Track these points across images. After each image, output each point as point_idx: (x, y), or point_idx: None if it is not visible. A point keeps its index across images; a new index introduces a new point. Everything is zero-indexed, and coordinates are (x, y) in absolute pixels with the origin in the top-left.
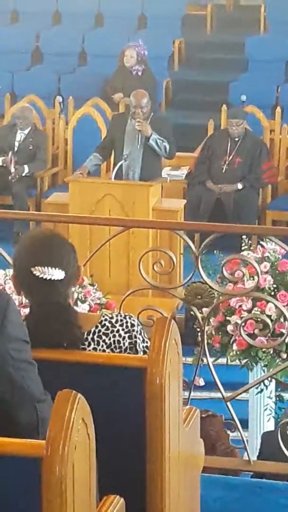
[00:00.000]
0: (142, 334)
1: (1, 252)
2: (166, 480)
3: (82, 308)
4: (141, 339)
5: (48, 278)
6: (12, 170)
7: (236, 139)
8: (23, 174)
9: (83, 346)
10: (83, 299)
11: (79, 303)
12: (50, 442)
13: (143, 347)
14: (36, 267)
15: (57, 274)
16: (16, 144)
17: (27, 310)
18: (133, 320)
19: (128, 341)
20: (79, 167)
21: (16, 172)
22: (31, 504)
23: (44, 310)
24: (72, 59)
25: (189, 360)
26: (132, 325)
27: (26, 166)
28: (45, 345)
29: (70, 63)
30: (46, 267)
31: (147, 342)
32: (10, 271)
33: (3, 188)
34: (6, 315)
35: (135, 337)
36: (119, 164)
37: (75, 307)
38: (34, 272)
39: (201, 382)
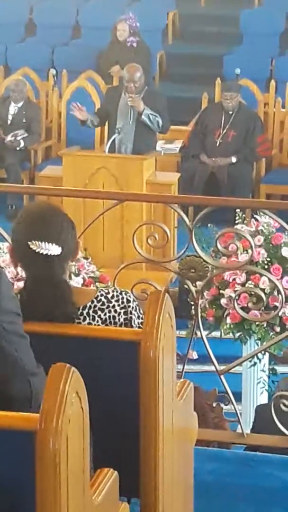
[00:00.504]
0: (138, 310)
1: None
2: (159, 453)
3: (76, 282)
4: (136, 315)
5: (44, 253)
6: (9, 138)
7: (230, 112)
8: (17, 148)
9: (78, 321)
10: (77, 272)
11: (73, 276)
12: (43, 415)
13: (138, 323)
14: (33, 241)
15: (53, 249)
16: (10, 117)
17: (21, 284)
18: (129, 296)
19: (124, 317)
20: (75, 144)
21: (12, 144)
22: (25, 477)
23: (38, 284)
24: (66, 31)
25: (183, 333)
26: (128, 301)
27: (21, 140)
28: (37, 319)
29: (63, 35)
30: (43, 242)
31: (142, 319)
32: (4, 245)
33: None
34: None
35: (131, 313)
36: (112, 137)
37: (70, 281)
38: (31, 246)
39: (194, 355)
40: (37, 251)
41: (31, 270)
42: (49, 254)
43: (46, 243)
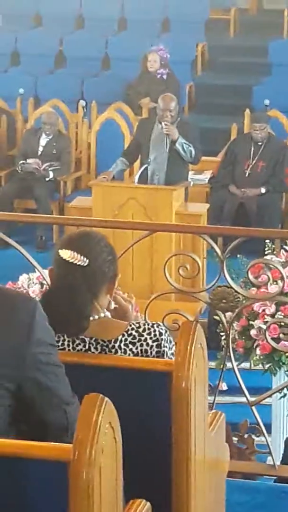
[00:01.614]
0: (170, 342)
1: (25, 256)
2: (191, 484)
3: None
4: (168, 347)
5: (70, 261)
6: (43, 167)
7: (260, 143)
8: (47, 179)
9: (109, 353)
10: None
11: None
12: (77, 445)
13: (170, 354)
14: (62, 249)
15: (80, 259)
16: (40, 148)
17: None
18: (161, 329)
19: (156, 349)
20: (104, 172)
21: (43, 174)
22: (58, 507)
23: (56, 291)
24: (95, 63)
25: (212, 364)
26: (160, 334)
27: (50, 171)
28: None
29: (93, 67)
30: (71, 251)
31: (173, 349)
32: (34, 275)
33: (26, 192)
34: (34, 320)
35: (164, 346)
36: (142, 167)
37: (102, 313)
38: (60, 253)
39: (224, 386)
40: (64, 257)
41: (54, 277)
42: (74, 262)
43: (74, 252)
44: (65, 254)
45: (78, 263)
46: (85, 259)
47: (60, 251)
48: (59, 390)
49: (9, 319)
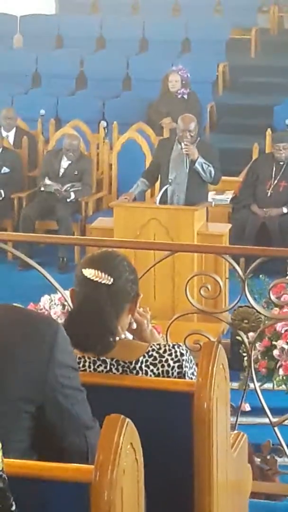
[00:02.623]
0: (191, 362)
1: (46, 277)
2: (214, 506)
3: (128, 333)
4: (189, 366)
5: (94, 280)
6: (65, 187)
7: (281, 163)
8: (68, 200)
9: (130, 375)
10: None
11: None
12: (98, 467)
13: (191, 373)
14: (86, 268)
15: (104, 278)
16: (62, 170)
17: None
18: (182, 349)
19: (177, 370)
20: (125, 193)
21: (64, 195)
22: None
23: (82, 310)
24: (116, 83)
25: (235, 385)
26: (182, 354)
27: (72, 192)
28: (78, 347)
29: (114, 87)
30: (95, 270)
31: (195, 370)
32: (56, 296)
33: (48, 213)
34: (56, 342)
35: (185, 366)
36: (163, 188)
37: (123, 335)
38: (83, 272)
39: (246, 407)
40: (88, 276)
41: (79, 297)
42: (98, 281)
43: (99, 271)
44: (90, 273)
45: (103, 282)
46: (109, 277)
47: (84, 270)
48: (79, 414)
49: (31, 341)
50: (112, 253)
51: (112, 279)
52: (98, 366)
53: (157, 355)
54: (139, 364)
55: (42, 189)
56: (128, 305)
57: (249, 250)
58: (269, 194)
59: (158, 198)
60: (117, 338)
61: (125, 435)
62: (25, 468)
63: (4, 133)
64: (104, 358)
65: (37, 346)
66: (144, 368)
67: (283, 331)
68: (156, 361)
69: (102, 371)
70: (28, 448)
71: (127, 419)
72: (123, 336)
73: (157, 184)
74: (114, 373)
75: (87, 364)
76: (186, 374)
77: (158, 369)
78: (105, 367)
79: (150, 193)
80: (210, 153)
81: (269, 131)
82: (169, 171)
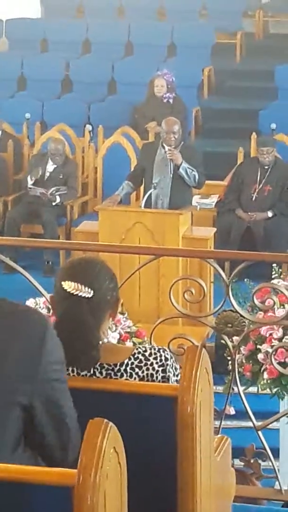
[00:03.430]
0: (174, 367)
1: (31, 281)
2: (197, 509)
3: (112, 337)
4: (173, 372)
5: (74, 293)
6: (50, 191)
7: (266, 167)
8: (54, 204)
9: (115, 377)
10: (113, 328)
11: (109, 331)
12: (81, 470)
13: (174, 380)
14: (66, 281)
15: (84, 291)
16: (47, 174)
17: None
18: (167, 354)
19: (162, 374)
20: (110, 196)
21: (49, 199)
22: None
23: (62, 324)
24: (102, 87)
25: (220, 388)
26: (166, 359)
27: (57, 196)
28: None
29: (99, 91)
30: (75, 283)
31: (178, 376)
32: (40, 300)
33: (33, 217)
34: (46, 336)
35: (169, 371)
36: (148, 192)
37: (107, 337)
38: (64, 286)
39: (231, 411)
40: (68, 290)
41: (59, 311)
42: (79, 295)
43: (78, 284)
44: (69, 286)
45: (83, 295)
46: (89, 289)
47: (63, 283)
48: (66, 406)
49: (22, 333)
50: (92, 261)
51: (92, 291)
52: (81, 370)
53: (142, 358)
54: (123, 367)
55: (30, 182)
56: (109, 311)
57: (232, 254)
58: (254, 198)
59: (143, 202)
60: (100, 343)
61: (108, 439)
62: (8, 472)
63: None
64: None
65: (29, 339)
66: (129, 370)
67: (267, 335)
68: (142, 364)
69: (86, 374)
70: (17, 439)
71: (110, 423)
72: (105, 340)
73: (142, 188)
74: (98, 377)
75: (70, 368)
76: (169, 379)
77: (143, 371)
78: (89, 371)
79: (135, 197)
80: (194, 157)
81: (254, 135)
82: (153, 175)
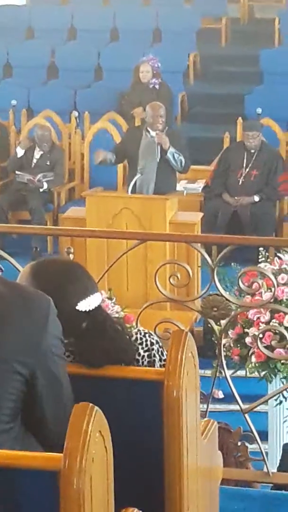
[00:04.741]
0: (160, 352)
1: (17, 267)
2: (184, 493)
3: None
4: (159, 357)
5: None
6: (38, 177)
7: (252, 151)
8: (41, 190)
9: None
10: None
11: None
12: (67, 455)
13: (160, 365)
14: (80, 303)
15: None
16: (34, 160)
17: None
18: (152, 338)
19: (147, 360)
20: (97, 185)
21: (36, 185)
22: None
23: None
24: (88, 74)
25: (208, 372)
26: (152, 344)
27: (44, 182)
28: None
29: (85, 78)
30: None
31: (164, 361)
32: None
33: (20, 203)
34: (49, 313)
35: (154, 355)
36: (135, 177)
37: None
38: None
39: (220, 394)
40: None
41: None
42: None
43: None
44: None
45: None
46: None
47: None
48: (65, 382)
49: (28, 310)
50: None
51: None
52: (67, 356)
53: None
54: None
55: (17, 172)
56: None
57: (218, 238)
58: (240, 182)
59: (130, 188)
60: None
61: (93, 423)
62: None
63: None
64: (73, 349)
65: (33, 314)
66: None
67: (255, 319)
68: None
69: (71, 361)
70: (16, 412)
71: (96, 407)
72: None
73: (127, 173)
74: None
75: None
76: (155, 363)
77: None
78: (74, 358)
79: (121, 183)
80: (178, 142)
81: (240, 120)
82: (139, 160)
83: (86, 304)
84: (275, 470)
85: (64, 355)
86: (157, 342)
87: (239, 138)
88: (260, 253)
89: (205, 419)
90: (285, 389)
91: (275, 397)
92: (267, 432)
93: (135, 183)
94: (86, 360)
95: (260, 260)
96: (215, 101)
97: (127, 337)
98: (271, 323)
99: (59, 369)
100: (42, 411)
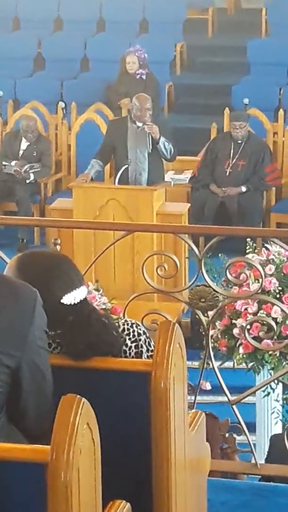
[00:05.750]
0: (147, 343)
1: (3, 258)
2: (172, 485)
3: None
4: (146, 348)
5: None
6: (24, 168)
7: (240, 141)
8: (27, 181)
9: None
10: None
11: None
12: (55, 447)
13: (147, 356)
14: (65, 296)
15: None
16: (21, 152)
17: None
18: (140, 329)
19: (135, 350)
20: (82, 174)
21: (23, 176)
22: (37, 509)
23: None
24: (74, 64)
25: (196, 364)
26: (139, 334)
27: (31, 173)
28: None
29: (72, 68)
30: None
31: (151, 351)
32: None
33: (7, 194)
34: (36, 306)
35: (141, 346)
36: (122, 168)
37: None
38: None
39: (208, 386)
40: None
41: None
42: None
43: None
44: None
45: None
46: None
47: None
48: (48, 375)
49: (14, 302)
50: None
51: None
52: (53, 349)
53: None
54: None
55: (4, 167)
56: None
57: (206, 229)
58: (227, 173)
59: (117, 179)
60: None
61: (81, 415)
62: None
63: None
64: (60, 340)
65: (21, 307)
66: None
67: (242, 310)
68: None
69: (58, 353)
70: (2, 404)
71: (83, 399)
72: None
73: (114, 165)
74: None
75: None
76: (142, 354)
77: None
78: (61, 350)
79: (109, 174)
80: (166, 132)
81: (227, 110)
82: (128, 152)
83: (71, 298)
84: (263, 462)
85: (49, 347)
86: (144, 333)
87: (226, 129)
88: (247, 244)
89: (193, 410)
90: (273, 380)
91: (262, 389)
92: (255, 423)
93: (125, 174)
94: (70, 352)
95: (247, 251)
96: (202, 92)
97: (113, 331)
98: (258, 314)
99: (43, 361)
100: (25, 402)
